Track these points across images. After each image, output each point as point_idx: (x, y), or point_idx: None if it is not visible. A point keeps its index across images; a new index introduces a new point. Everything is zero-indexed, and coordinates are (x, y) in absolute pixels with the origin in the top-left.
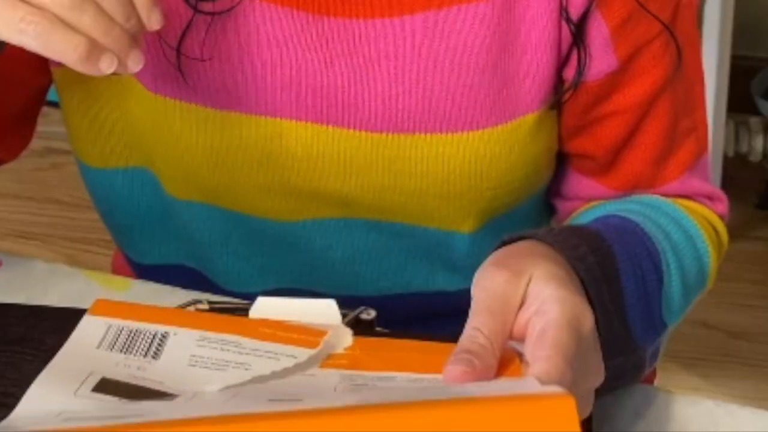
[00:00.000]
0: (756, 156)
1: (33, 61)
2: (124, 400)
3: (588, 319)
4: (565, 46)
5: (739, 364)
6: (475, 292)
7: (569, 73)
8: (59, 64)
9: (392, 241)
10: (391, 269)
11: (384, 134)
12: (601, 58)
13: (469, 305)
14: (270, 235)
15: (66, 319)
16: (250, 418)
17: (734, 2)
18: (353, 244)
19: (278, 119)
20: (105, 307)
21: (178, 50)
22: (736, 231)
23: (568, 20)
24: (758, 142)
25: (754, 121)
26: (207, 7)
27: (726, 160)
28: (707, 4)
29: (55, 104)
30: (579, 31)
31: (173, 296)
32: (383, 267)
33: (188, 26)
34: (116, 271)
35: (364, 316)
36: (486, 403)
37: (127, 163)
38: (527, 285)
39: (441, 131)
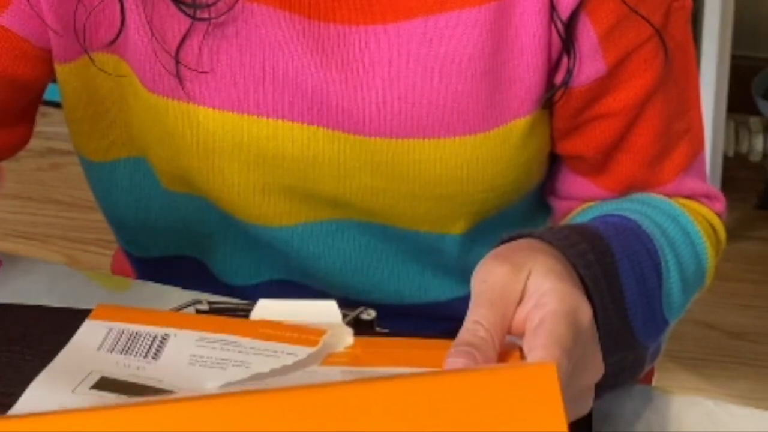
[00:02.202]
0: (756, 156)
1: (39, 62)
2: (122, 397)
3: (586, 313)
4: (555, 51)
5: (739, 364)
6: (475, 285)
7: (559, 77)
8: (62, 60)
9: (384, 245)
10: (383, 278)
11: (377, 138)
12: (590, 64)
13: (460, 313)
14: (263, 239)
15: (66, 319)
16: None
17: (734, 2)
18: (345, 250)
19: (273, 120)
20: (106, 312)
21: (176, 58)
22: (736, 231)
23: (557, 25)
24: (758, 142)
25: (754, 121)
26: (204, 14)
27: (726, 160)
28: (707, 4)
29: (55, 104)
30: (568, 36)
31: (173, 296)
32: (375, 276)
33: (186, 35)
34: (116, 271)
35: (364, 316)
36: (469, 373)
37: (129, 153)
38: (527, 279)
39: (434, 136)
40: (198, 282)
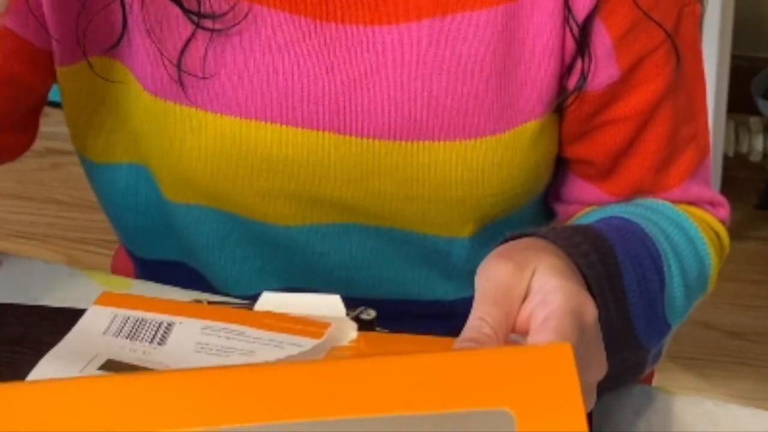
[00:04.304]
0: (756, 156)
1: (41, 64)
2: None
3: (591, 311)
4: (568, 55)
5: (739, 364)
6: (478, 283)
7: (572, 82)
8: (63, 62)
9: (391, 248)
10: (389, 277)
11: (385, 141)
12: (604, 69)
13: (465, 312)
14: (268, 238)
15: (65, 319)
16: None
17: (734, 2)
18: (351, 251)
19: (278, 125)
20: (111, 299)
21: (179, 63)
22: (736, 231)
23: (572, 29)
24: (758, 142)
25: (754, 121)
26: (209, 23)
27: (726, 160)
28: (707, 4)
29: (55, 104)
30: (583, 40)
31: (173, 296)
32: (381, 275)
33: (189, 39)
34: (116, 271)
35: (364, 316)
36: (484, 351)
37: (130, 159)
38: (531, 277)
39: (443, 139)
40: (197, 289)
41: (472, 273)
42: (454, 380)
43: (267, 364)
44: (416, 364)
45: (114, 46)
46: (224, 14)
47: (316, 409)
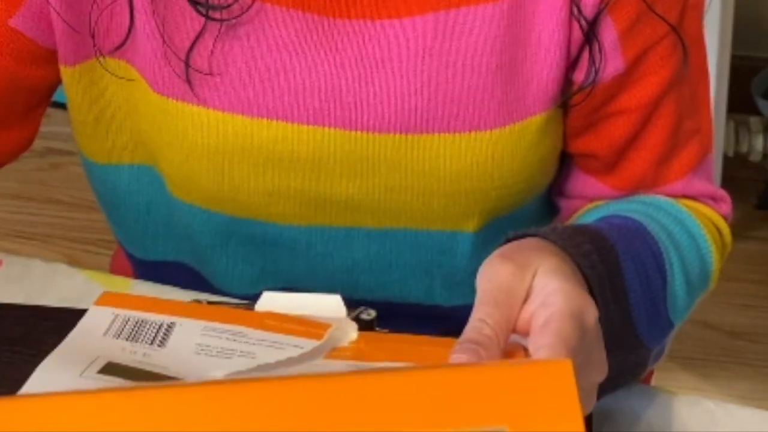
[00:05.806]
0: (756, 156)
1: (44, 64)
2: (129, 382)
3: (592, 313)
4: (574, 48)
5: (739, 364)
6: (480, 283)
7: (578, 75)
8: (68, 63)
9: (393, 253)
10: (390, 282)
11: (391, 135)
12: (609, 61)
13: (463, 318)
14: (271, 239)
15: (65, 319)
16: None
17: (734, 2)
18: (354, 255)
19: (284, 122)
20: (111, 299)
21: (186, 62)
22: (736, 231)
23: (581, 22)
24: (758, 142)
25: (754, 121)
26: (217, 14)
27: (726, 160)
28: (707, 4)
29: (55, 105)
30: (591, 35)
31: (173, 296)
32: (382, 279)
33: (197, 37)
34: (115, 271)
35: (364, 316)
36: (483, 367)
37: (133, 159)
38: (532, 278)
39: (449, 132)
40: (196, 290)
41: (473, 277)
42: (453, 397)
43: (265, 378)
44: (414, 380)
45: (120, 46)
46: (230, 5)
47: (311, 426)
